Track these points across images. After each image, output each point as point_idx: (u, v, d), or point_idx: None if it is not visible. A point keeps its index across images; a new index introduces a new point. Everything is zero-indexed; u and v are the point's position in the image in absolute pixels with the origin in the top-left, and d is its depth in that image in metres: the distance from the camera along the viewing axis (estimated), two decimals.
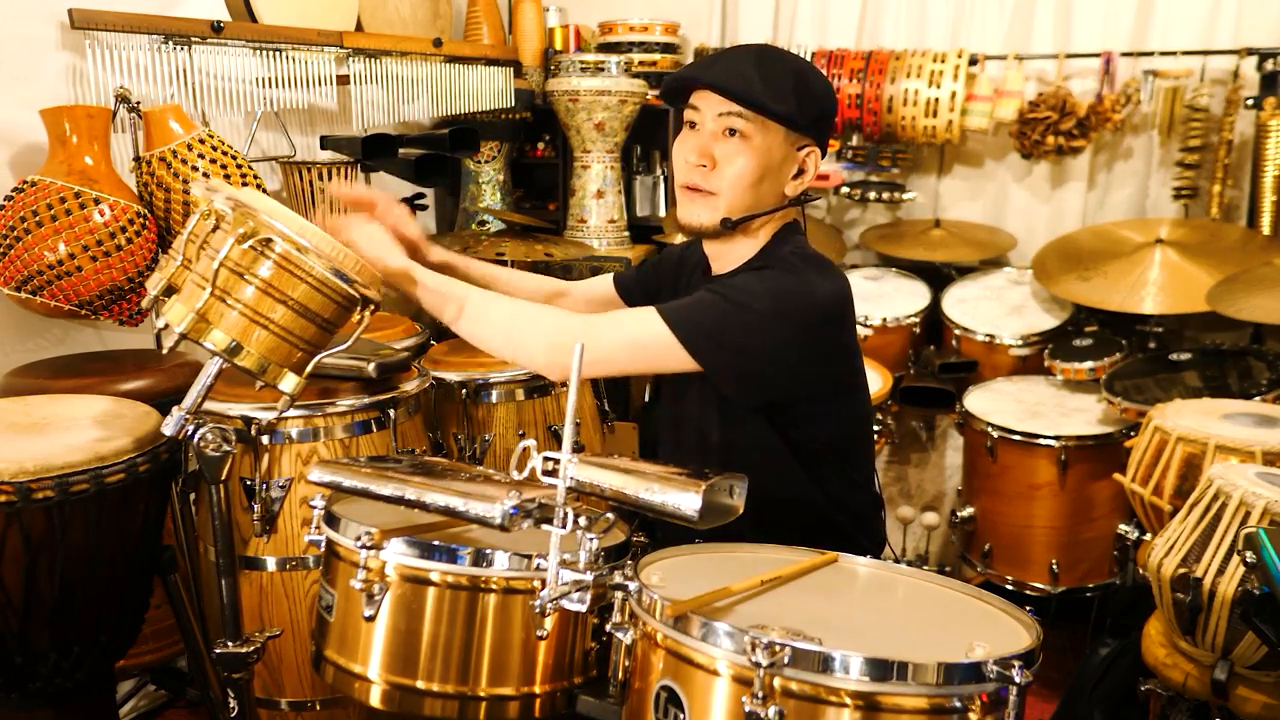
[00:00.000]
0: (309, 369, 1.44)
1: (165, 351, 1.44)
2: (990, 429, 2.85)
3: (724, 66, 1.52)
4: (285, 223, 1.36)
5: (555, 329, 1.50)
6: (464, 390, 2.21)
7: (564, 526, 1.14)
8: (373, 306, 1.46)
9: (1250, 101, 2.95)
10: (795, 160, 1.56)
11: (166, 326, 1.38)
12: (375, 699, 1.28)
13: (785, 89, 1.49)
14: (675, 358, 1.45)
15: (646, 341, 1.46)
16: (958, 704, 1.02)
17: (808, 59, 3.33)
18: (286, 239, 1.35)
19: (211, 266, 1.34)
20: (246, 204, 1.36)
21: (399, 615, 1.27)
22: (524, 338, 1.52)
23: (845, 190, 3.41)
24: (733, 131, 1.50)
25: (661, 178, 3.48)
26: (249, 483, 1.74)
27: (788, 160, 1.55)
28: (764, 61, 1.52)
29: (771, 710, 0.99)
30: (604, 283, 1.89)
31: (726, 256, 1.62)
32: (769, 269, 1.52)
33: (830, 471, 1.58)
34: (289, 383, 1.42)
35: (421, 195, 3.07)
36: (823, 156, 1.59)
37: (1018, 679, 1.01)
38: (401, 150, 2.80)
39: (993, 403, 2.99)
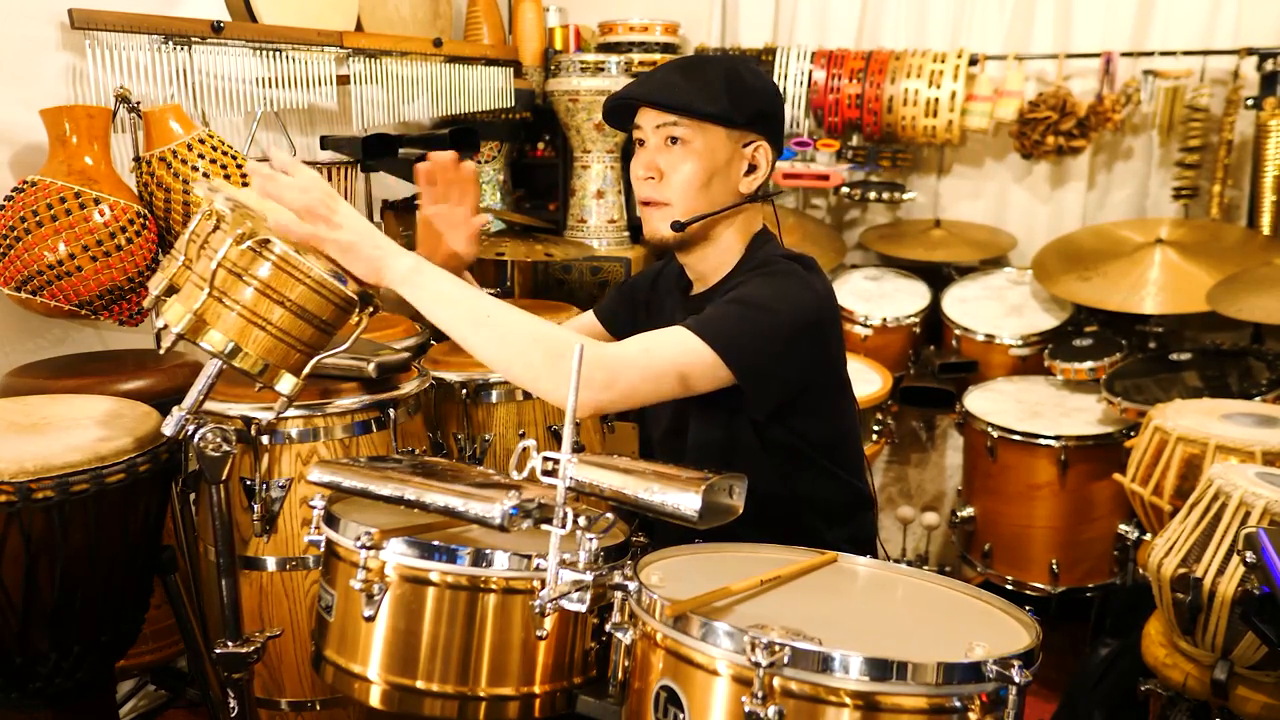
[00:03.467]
0: (307, 370, 1.43)
1: (163, 351, 1.44)
2: (990, 429, 2.85)
3: (653, 80, 1.57)
4: None
5: (587, 362, 1.31)
6: (464, 390, 2.21)
7: (564, 526, 1.14)
8: (371, 308, 1.45)
9: (1250, 101, 2.95)
10: (743, 157, 1.58)
11: (165, 326, 1.38)
12: (375, 699, 1.28)
13: (716, 90, 1.52)
14: (711, 376, 1.42)
15: (687, 361, 1.40)
16: (957, 704, 1.02)
17: (808, 58, 3.34)
18: (285, 239, 1.35)
19: (209, 267, 1.34)
20: (245, 205, 1.36)
21: (399, 615, 1.27)
22: (549, 369, 1.34)
23: (845, 190, 3.41)
24: (674, 140, 1.54)
25: None
26: (249, 483, 1.74)
27: (735, 158, 1.56)
28: (692, 68, 1.56)
29: (771, 710, 0.99)
30: (586, 317, 1.88)
31: (704, 267, 1.63)
32: (771, 274, 1.52)
33: (812, 472, 1.58)
34: (286, 384, 1.41)
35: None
36: (777, 150, 1.60)
37: (1017, 679, 1.01)
38: (401, 150, 2.80)
39: (993, 403, 2.99)
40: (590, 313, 1.89)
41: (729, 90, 1.52)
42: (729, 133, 1.54)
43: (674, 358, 1.40)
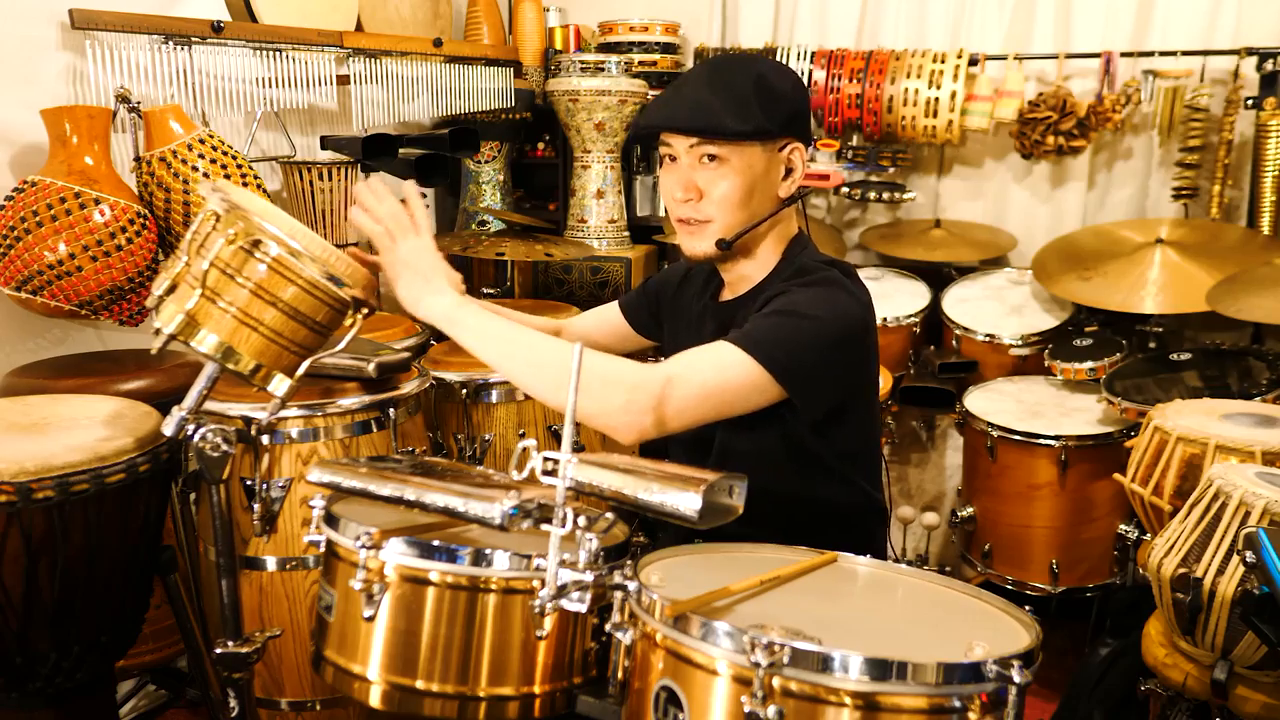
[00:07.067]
0: (300, 372, 1.43)
1: (154, 352, 1.43)
2: (990, 429, 2.85)
3: (682, 102, 1.51)
4: (277, 224, 1.36)
5: (633, 386, 1.35)
6: (464, 390, 2.21)
7: (564, 526, 1.14)
8: (365, 310, 1.45)
9: (1250, 101, 2.95)
10: (780, 162, 1.56)
11: (159, 329, 1.37)
12: (375, 699, 1.28)
13: (747, 103, 1.47)
14: (760, 391, 1.40)
15: (734, 378, 1.38)
16: (957, 704, 1.01)
17: (808, 58, 3.34)
18: (278, 241, 1.35)
19: (201, 267, 1.34)
20: (239, 205, 1.35)
21: (398, 615, 1.27)
22: (597, 394, 1.35)
23: (845, 190, 3.41)
24: (710, 158, 1.50)
25: None
26: (249, 483, 1.74)
27: (773, 166, 1.55)
28: (718, 81, 1.50)
29: (771, 710, 0.99)
30: (610, 310, 1.87)
31: (741, 273, 1.62)
32: (812, 282, 1.50)
33: (833, 480, 1.57)
34: (279, 385, 1.41)
35: (422, 195, 3.06)
36: (808, 146, 1.58)
37: (1017, 679, 1.01)
38: (401, 150, 2.80)
39: (993, 403, 2.99)
40: (615, 304, 1.87)
41: (760, 99, 1.48)
42: (764, 142, 1.52)
43: (720, 374, 1.39)
